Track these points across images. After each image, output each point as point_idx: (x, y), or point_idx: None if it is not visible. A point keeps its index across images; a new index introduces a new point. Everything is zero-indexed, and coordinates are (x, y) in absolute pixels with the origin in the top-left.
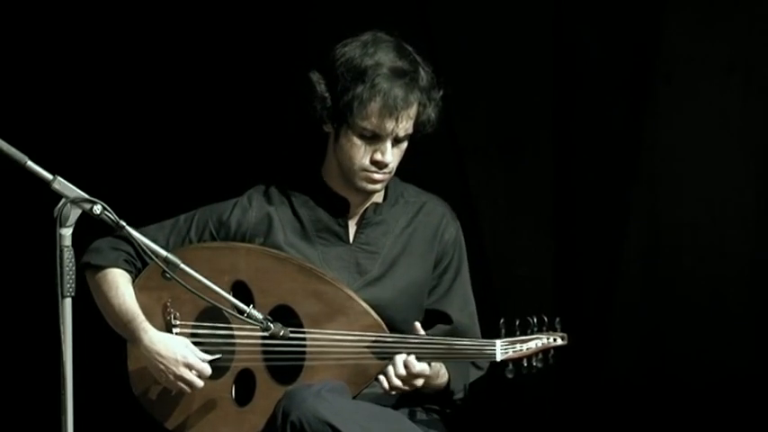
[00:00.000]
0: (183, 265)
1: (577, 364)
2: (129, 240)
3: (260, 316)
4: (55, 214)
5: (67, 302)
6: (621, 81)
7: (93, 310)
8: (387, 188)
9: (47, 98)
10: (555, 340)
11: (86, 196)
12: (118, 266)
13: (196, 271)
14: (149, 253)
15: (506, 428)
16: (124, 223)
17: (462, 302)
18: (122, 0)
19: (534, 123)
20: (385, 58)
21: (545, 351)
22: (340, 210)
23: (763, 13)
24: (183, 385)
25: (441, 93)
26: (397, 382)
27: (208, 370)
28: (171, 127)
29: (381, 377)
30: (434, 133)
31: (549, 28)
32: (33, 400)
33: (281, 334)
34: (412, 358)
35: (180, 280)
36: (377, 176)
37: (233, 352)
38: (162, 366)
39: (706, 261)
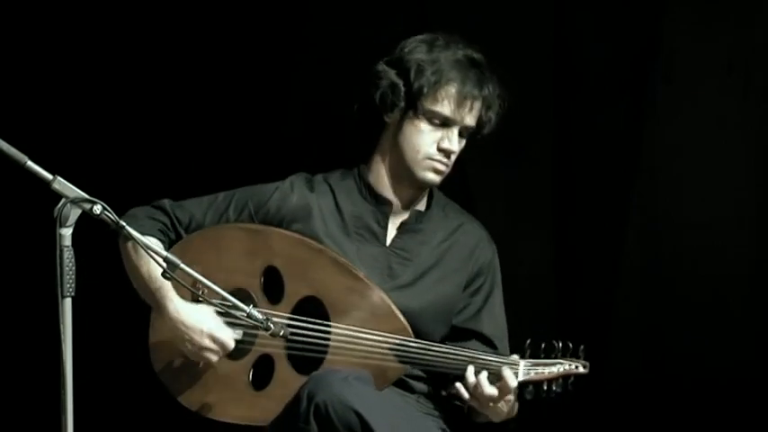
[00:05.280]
0: (182, 265)
1: None
2: (166, 210)
3: (260, 316)
4: (55, 214)
5: (67, 302)
6: (621, 81)
7: (94, 310)
8: (431, 198)
9: (47, 98)
10: (577, 368)
11: (86, 196)
12: (152, 235)
13: (226, 252)
14: (150, 253)
15: (506, 429)
16: (124, 223)
17: (494, 323)
18: (122, 0)
19: (534, 123)
20: (457, 48)
21: (565, 377)
22: (382, 210)
23: (763, 13)
24: (206, 354)
25: (504, 100)
26: (481, 399)
27: (231, 344)
28: (171, 127)
29: (461, 389)
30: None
31: (550, 28)
32: (33, 400)
33: (281, 334)
34: (507, 372)
35: (180, 280)
36: (440, 166)
37: (256, 335)
38: (186, 336)
39: (706, 261)
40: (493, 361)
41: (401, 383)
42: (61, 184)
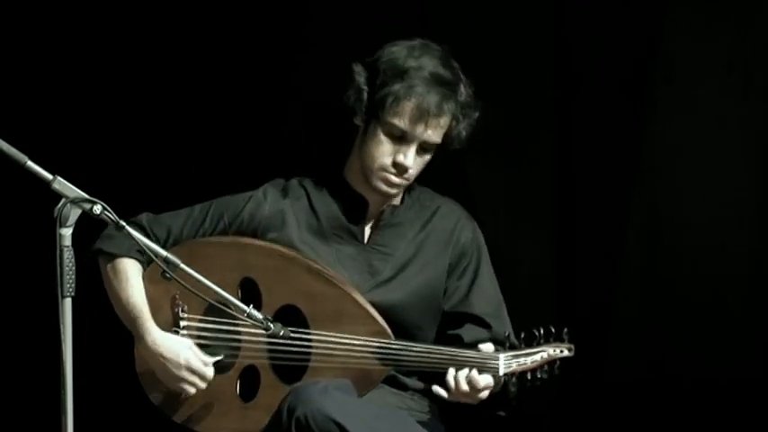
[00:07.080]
0: (182, 265)
1: (577, 365)
2: (143, 226)
3: (260, 315)
4: (55, 214)
5: (67, 302)
6: (621, 81)
7: (93, 310)
8: (404, 190)
9: (47, 98)
10: (561, 351)
11: (86, 196)
12: (130, 256)
13: (202, 268)
14: (149, 253)
15: (506, 429)
16: (124, 223)
17: (485, 301)
18: (122, 0)
19: (534, 123)
20: (429, 63)
21: (550, 363)
22: (358, 209)
23: (763, 13)
24: (185, 386)
25: (477, 114)
26: (460, 397)
27: (210, 374)
28: (172, 126)
29: (440, 390)
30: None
31: (550, 28)
32: (33, 400)
33: (281, 334)
34: (475, 374)
35: (180, 280)
36: (394, 179)
37: (239, 348)
38: (164, 367)
39: (706, 261)
40: (473, 358)
41: (394, 381)
42: (61, 184)
